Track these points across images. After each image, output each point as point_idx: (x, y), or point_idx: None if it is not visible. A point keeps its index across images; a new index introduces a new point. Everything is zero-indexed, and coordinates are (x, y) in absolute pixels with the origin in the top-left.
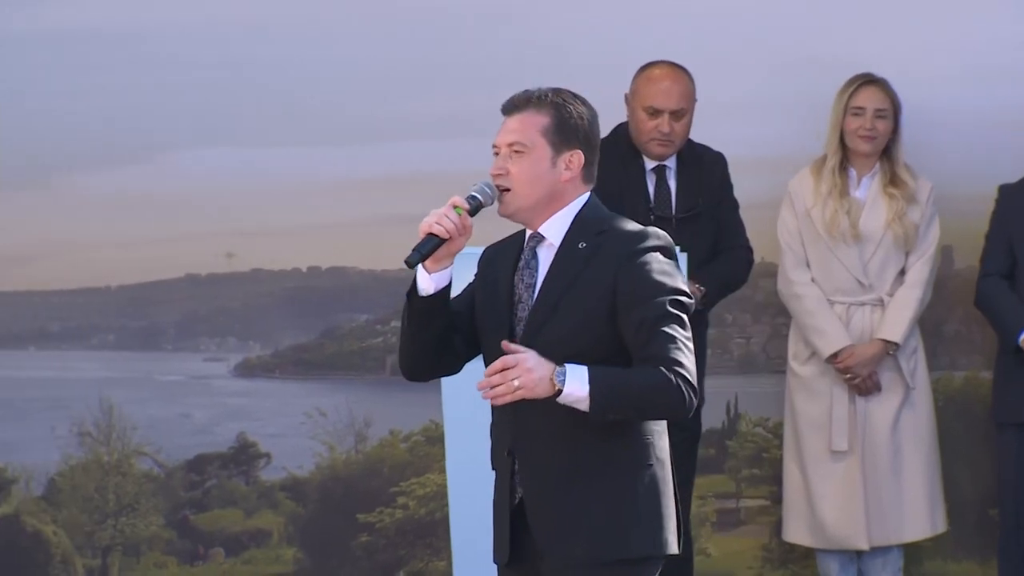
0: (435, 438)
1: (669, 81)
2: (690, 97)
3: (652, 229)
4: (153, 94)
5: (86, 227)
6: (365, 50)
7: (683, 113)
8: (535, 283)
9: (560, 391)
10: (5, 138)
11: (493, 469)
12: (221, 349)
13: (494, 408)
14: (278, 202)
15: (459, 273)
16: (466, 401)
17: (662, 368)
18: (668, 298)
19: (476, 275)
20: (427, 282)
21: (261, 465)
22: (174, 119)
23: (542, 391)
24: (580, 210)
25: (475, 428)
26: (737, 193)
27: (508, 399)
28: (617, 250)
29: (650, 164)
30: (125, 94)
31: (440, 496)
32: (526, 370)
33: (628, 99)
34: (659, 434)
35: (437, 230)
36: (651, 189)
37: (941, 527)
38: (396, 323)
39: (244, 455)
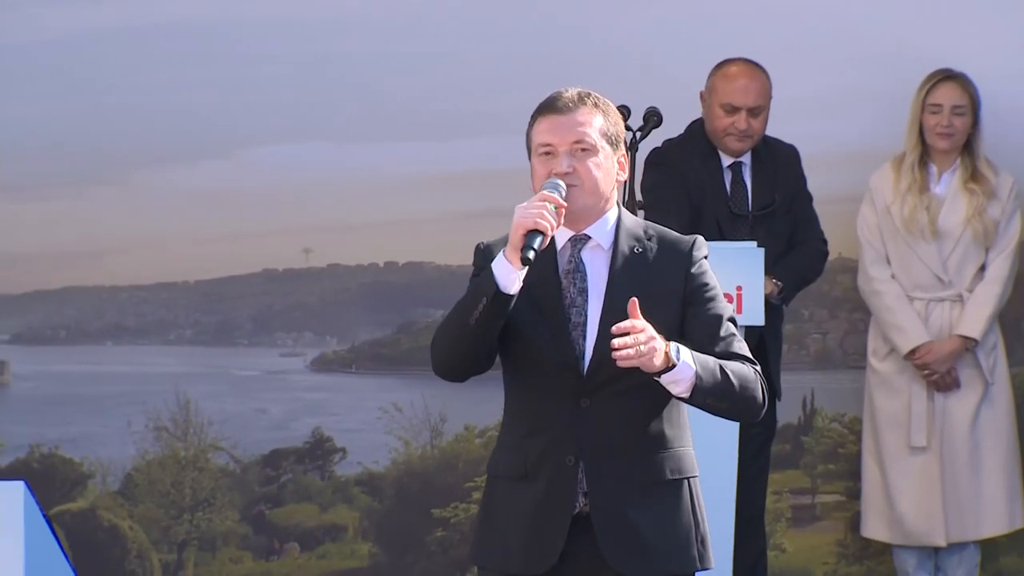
0: None
1: (746, 79)
2: (767, 94)
3: (696, 236)
4: (231, 90)
5: (163, 223)
6: (442, 45)
7: (760, 110)
8: (587, 287)
9: (673, 366)
10: (85, 134)
11: (517, 476)
12: (297, 344)
13: (531, 416)
14: (355, 198)
15: None
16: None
17: (748, 364)
18: (728, 309)
19: (482, 269)
20: (515, 280)
21: (336, 460)
22: (251, 115)
23: (659, 363)
24: (620, 214)
25: None
26: (816, 188)
27: (632, 362)
28: (678, 255)
29: (727, 161)
30: (203, 90)
31: None
32: (650, 336)
33: (704, 96)
34: (690, 445)
35: (543, 227)
36: (728, 186)
37: (1019, 523)
38: None
39: (319, 450)
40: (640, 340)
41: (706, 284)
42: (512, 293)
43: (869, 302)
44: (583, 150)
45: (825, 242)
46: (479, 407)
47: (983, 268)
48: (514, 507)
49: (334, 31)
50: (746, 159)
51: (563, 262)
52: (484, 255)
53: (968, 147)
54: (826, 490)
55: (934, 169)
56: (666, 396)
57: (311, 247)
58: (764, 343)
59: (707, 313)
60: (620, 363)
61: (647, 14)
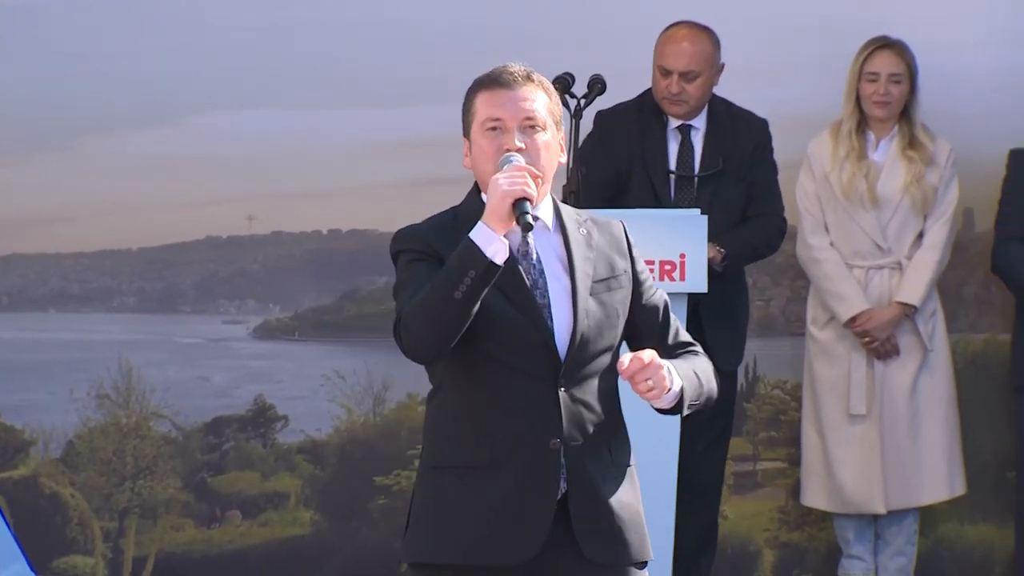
0: None
1: (683, 42)
2: (704, 59)
3: (617, 219)
4: (177, 57)
5: (108, 190)
6: (390, 13)
7: (695, 75)
8: (543, 268)
9: (670, 389)
10: (31, 101)
11: (482, 465)
12: (240, 312)
13: (501, 399)
14: (299, 165)
15: None
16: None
17: (700, 356)
18: (661, 291)
19: (423, 254)
20: (504, 250)
21: (279, 428)
22: (197, 82)
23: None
24: (552, 196)
25: None
26: None
27: (655, 395)
28: (614, 238)
29: (674, 123)
30: (150, 57)
31: None
32: (658, 366)
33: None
34: None
35: (531, 195)
36: (674, 148)
37: (959, 490)
38: None
39: (262, 418)
40: (654, 375)
41: (643, 269)
42: (500, 264)
43: (808, 270)
44: (532, 127)
45: (784, 220)
46: (422, 375)
47: (921, 235)
48: (484, 497)
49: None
50: (699, 123)
51: (515, 243)
52: (421, 239)
53: (905, 115)
54: (768, 457)
55: (872, 136)
56: (616, 376)
57: (254, 214)
58: (698, 312)
59: (652, 299)
60: (652, 400)
61: None
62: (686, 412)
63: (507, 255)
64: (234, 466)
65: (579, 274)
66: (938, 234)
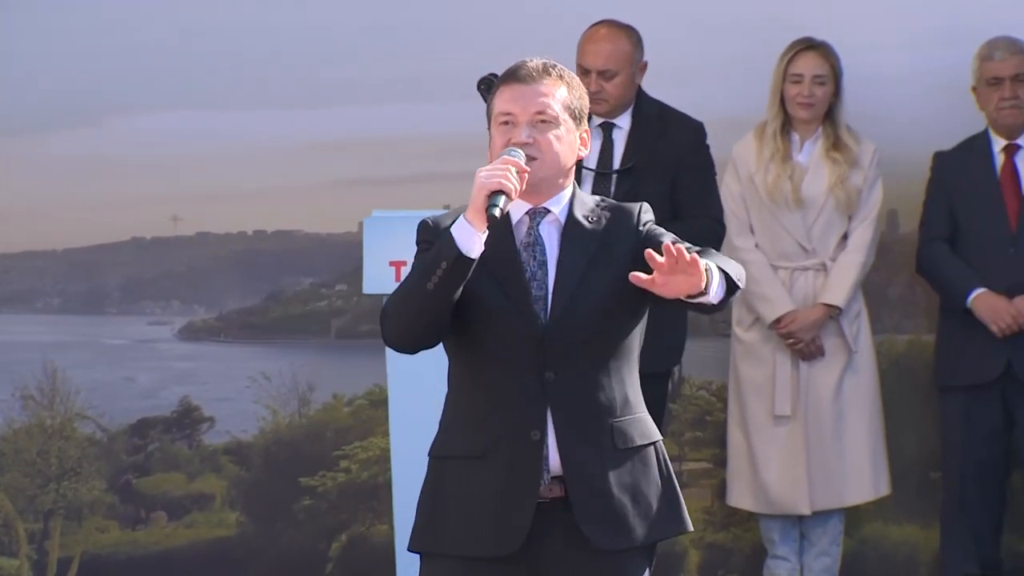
0: (378, 402)
1: (601, 41)
2: (621, 58)
3: (643, 202)
4: (100, 57)
5: (32, 191)
6: (313, 14)
7: (612, 74)
8: (547, 260)
9: (708, 284)
10: None
11: (473, 456)
12: (166, 313)
13: (491, 392)
14: (224, 166)
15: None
16: (410, 365)
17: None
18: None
19: (430, 244)
20: (478, 243)
21: (204, 429)
22: (122, 82)
23: (699, 284)
24: (575, 189)
25: (419, 392)
26: None
27: (697, 279)
28: (628, 219)
29: (596, 121)
30: (73, 58)
31: (383, 460)
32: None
33: None
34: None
35: (508, 188)
36: (595, 146)
37: (884, 490)
38: (341, 286)
39: (187, 419)
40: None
41: (660, 231)
42: (473, 257)
43: None
44: (543, 121)
45: (721, 224)
46: (347, 375)
47: (846, 237)
48: (473, 487)
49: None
50: (622, 122)
51: (521, 235)
52: (432, 230)
53: (830, 116)
54: (693, 457)
55: (796, 138)
56: (623, 360)
57: (180, 215)
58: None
59: (667, 237)
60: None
61: None
62: (722, 300)
63: (481, 248)
64: (159, 467)
65: (565, 265)
66: (862, 235)
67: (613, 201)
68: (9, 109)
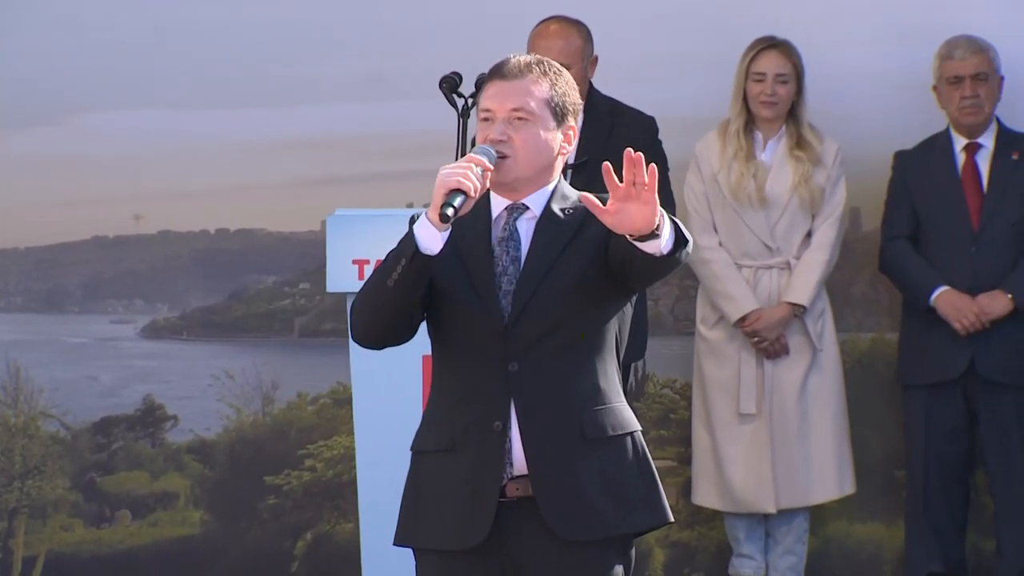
0: (343, 400)
1: (552, 37)
2: (573, 52)
3: None
4: (61, 56)
5: None
6: (276, 12)
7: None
8: (520, 255)
9: (659, 224)
10: None
11: (443, 449)
12: (128, 311)
13: (459, 385)
14: (186, 164)
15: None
16: (374, 363)
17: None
18: None
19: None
20: (436, 241)
21: (168, 427)
22: (82, 81)
23: (653, 219)
24: (558, 184)
25: (383, 390)
26: None
27: (650, 211)
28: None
29: None
30: (35, 56)
31: (347, 458)
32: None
33: None
34: (624, 400)
35: (466, 187)
36: None
37: (849, 489)
38: (304, 285)
39: (151, 417)
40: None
41: None
42: (431, 254)
43: (697, 271)
44: (520, 119)
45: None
46: (311, 373)
47: (810, 235)
48: (444, 480)
49: None
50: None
51: (497, 230)
52: (413, 221)
53: (793, 115)
54: (658, 456)
55: (759, 136)
56: (595, 351)
57: (142, 214)
58: None
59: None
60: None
61: None
62: (677, 252)
63: (440, 245)
64: (123, 466)
65: (534, 259)
66: (826, 234)
67: (600, 195)
68: None
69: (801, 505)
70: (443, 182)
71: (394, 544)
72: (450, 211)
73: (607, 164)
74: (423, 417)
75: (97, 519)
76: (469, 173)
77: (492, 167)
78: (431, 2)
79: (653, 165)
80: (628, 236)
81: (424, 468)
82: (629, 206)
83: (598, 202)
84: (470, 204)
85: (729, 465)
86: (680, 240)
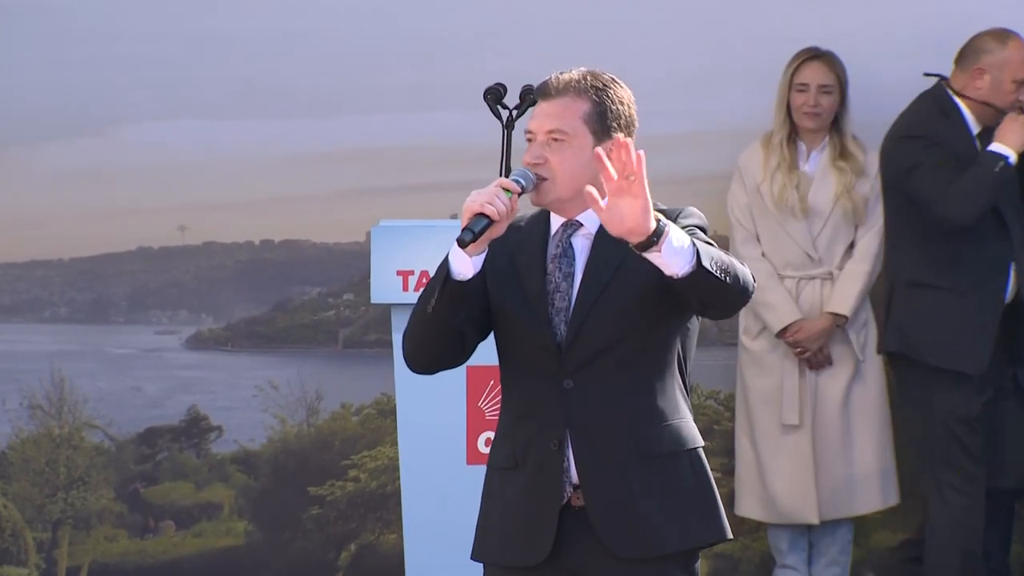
0: (387, 411)
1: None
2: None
3: (686, 206)
4: (106, 67)
5: (39, 200)
6: (322, 22)
7: None
8: (574, 272)
9: (658, 231)
10: None
11: (509, 466)
12: (173, 322)
13: (519, 402)
14: (231, 175)
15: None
16: (418, 375)
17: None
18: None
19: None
20: (467, 266)
21: (212, 438)
22: (128, 92)
23: (645, 217)
24: None
25: (427, 401)
26: (687, 166)
27: (639, 204)
28: None
29: None
30: (78, 67)
31: (392, 469)
32: (643, 185)
33: None
34: (691, 416)
35: (489, 211)
36: None
37: (892, 500)
38: (348, 296)
39: (195, 428)
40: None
41: (690, 228)
42: (463, 279)
43: None
44: (555, 140)
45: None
46: (355, 384)
47: (852, 246)
48: (508, 497)
49: (210, 8)
50: None
51: (552, 248)
52: None
53: (836, 125)
54: None
55: (803, 147)
56: (654, 369)
57: (186, 225)
58: None
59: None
60: (622, 178)
61: None
62: (710, 273)
63: (472, 269)
64: (167, 476)
65: (590, 277)
66: (869, 245)
67: (661, 206)
68: (12, 119)
69: (844, 516)
70: (468, 207)
71: (471, 558)
72: (469, 236)
73: (598, 151)
74: (495, 432)
75: (141, 530)
76: (495, 199)
77: (528, 190)
78: (474, 13)
79: (640, 151)
80: (631, 245)
81: (493, 483)
82: (620, 200)
83: (597, 195)
84: (499, 228)
85: (772, 476)
86: (702, 263)
